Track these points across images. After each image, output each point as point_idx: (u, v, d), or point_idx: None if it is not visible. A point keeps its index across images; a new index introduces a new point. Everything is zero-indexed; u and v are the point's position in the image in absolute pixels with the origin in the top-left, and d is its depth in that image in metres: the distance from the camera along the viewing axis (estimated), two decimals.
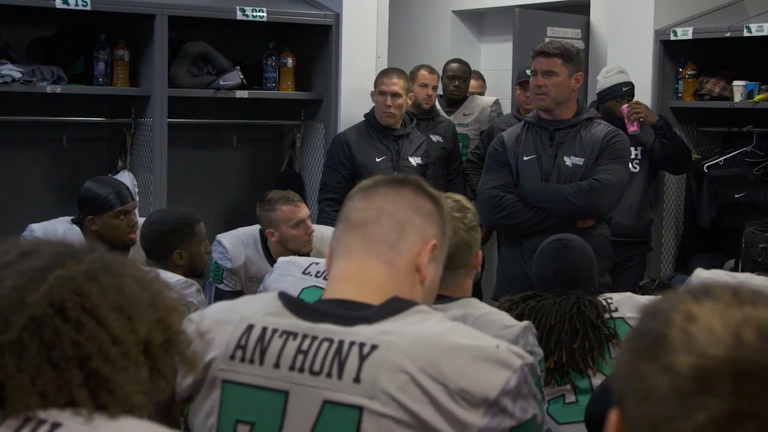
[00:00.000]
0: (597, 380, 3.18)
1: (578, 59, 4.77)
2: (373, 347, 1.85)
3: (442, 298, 2.67)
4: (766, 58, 6.01)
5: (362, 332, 1.88)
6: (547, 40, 6.45)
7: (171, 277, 3.86)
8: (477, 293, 5.98)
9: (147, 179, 5.64)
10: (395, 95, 5.68)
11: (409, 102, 5.86)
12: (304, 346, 1.90)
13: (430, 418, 1.78)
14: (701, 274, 3.19)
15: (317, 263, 3.84)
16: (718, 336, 1.08)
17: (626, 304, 3.32)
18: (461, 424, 1.78)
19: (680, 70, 6.40)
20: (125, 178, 5.52)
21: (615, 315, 3.29)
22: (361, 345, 1.86)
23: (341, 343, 1.87)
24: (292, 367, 1.89)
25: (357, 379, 1.83)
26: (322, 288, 3.31)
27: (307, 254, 4.54)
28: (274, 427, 1.89)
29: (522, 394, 1.83)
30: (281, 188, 5.20)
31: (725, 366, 1.06)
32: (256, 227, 4.86)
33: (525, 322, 2.72)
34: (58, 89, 5.38)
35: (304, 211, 4.80)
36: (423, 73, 6.52)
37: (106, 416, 1.38)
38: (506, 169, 4.71)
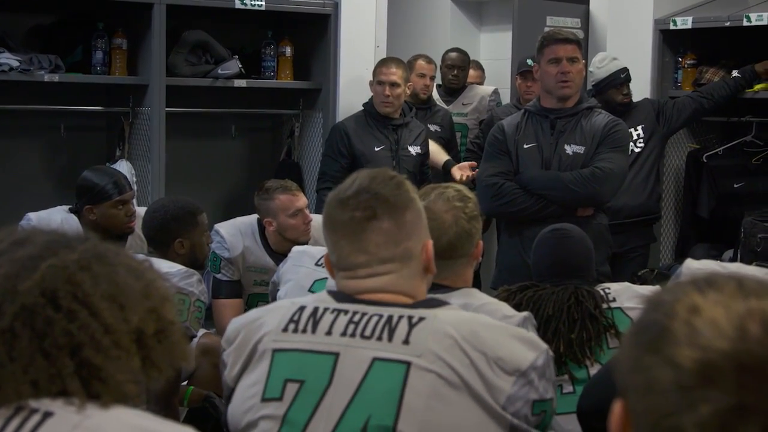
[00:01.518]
0: (594, 370, 3.17)
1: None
2: (421, 318, 2.04)
3: (442, 288, 2.67)
4: (766, 48, 5.99)
5: (409, 310, 2.07)
6: (547, 29, 6.44)
7: (171, 267, 3.86)
8: (476, 282, 5.98)
9: (145, 168, 5.63)
10: (394, 85, 5.67)
11: (408, 92, 5.85)
12: (356, 319, 2.06)
13: (470, 379, 1.97)
14: (692, 265, 3.18)
15: None
16: (722, 329, 1.08)
17: (624, 294, 3.31)
18: (495, 388, 1.98)
19: (680, 59, 6.38)
20: (123, 167, 5.51)
21: (613, 305, 3.28)
22: (410, 317, 2.05)
23: (390, 316, 2.05)
24: (343, 334, 2.05)
25: (406, 341, 2.01)
26: None
27: (306, 243, 4.53)
28: (323, 383, 2.01)
29: (546, 376, 2.07)
30: (280, 177, 5.19)
31: (729, 360, 1.06)
32: (254, 217, 4.85)
33: (525, 313, 2.73)
34: (56, 78, 5.37)
35: (302, 200, 4.79)
36: (420, 62, 6.50)
37: (98, 405, 1.37)
38: (506, 157, 4.69)
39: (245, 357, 2.12)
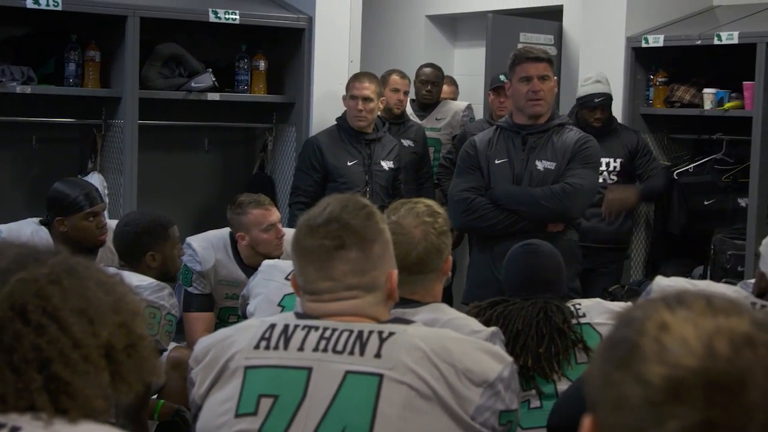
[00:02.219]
0: (562, 385, 3.18)
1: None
2: (391, 333, 2.08)
3: (411, 303, 2.67)
4: (737, 66, 6.04)
5: (379, 326, 2.11)
6: (520, 45, 6.47)
7: (142, 280, 3.85)
8: (447, 297, 5.99)
9: (117, 181, 5.62)
10: (367, 99, 5.68)
11: (381, 106, 5.86)
12: (327, 334, 2.09)
13: (440, 390, 2.01)
14: (662, 282, 3.20)
15: None
16: (690, 347, 1.09)
17: (595, 310, 3.32)
18: (464, 399, 2.03)
19: (651, 77, 6.43)
20: (95, 179, 5.49)
21: (582, 321, 3.29)
22: (380, 332, 2.09)
23: (361, 331, 2.09)
24: (315, 349, 2.08)
25: (378, 355, 2.05)
26: None
27: (278, 258, 4.53)
28: (297, 397, 2.04)
29: (511, 387, 2.11)
30: (252, 191, 5.18)
31: (697, 377, 1.07)
32: (227, 230, 4.85)
33: (493, 328, 2.74)
34: (28, 89, 5.35)
35: (275, 215, 4.79)
36: (394, 77, 6.52)
37: (66, 420, 1.37)
38: (478, 173, 4.71)
39: (214, 375, 2.12)
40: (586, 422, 1.17)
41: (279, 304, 3.68)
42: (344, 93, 5.79)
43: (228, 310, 4.82)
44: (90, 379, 1.41)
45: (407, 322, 2.16)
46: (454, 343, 2.10)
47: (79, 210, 4.44)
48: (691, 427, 1.05)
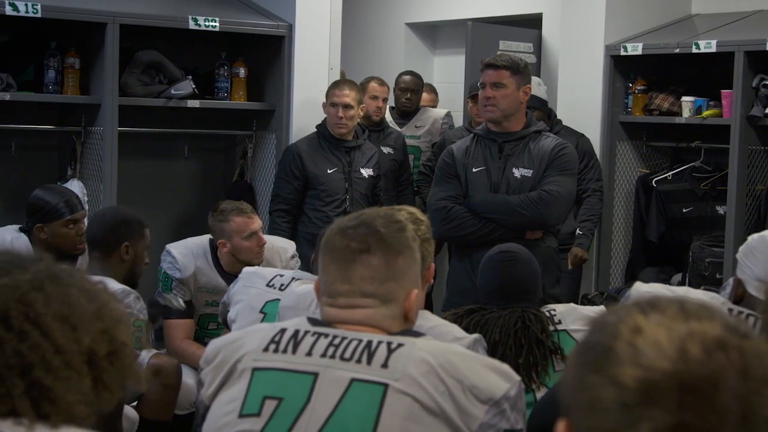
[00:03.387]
0: (541, 394, 3.19)
1: (526, 72, 4.78)
2: (400, 345, 2.09)
3: None
4: (715, 75, 6.08)
5: (388, 337, 2.12)
6: (499, 53, 6.50)
7: (112, 285, 3.84)
8: (428, 305, 5.99)
9: (97, 188, 5.60)
10: (347, 107, 5.68)
11: (361, 113, 5.87)
12: (335, 342, 2.11)
13: (445, 405, 2.01)
14: (640, 288, 3.22)
15: (282, 275, 3.84)
16: (663, 349, 1.10)
17: (570, 317, 3.33)
18: (468, 415, 2.03)
19: (630, 85, 6.46)
20: (75, 186, 5.48)
21: (559, 327, 3.30)
22: (389, 343, 2.10)
23: (370, 341, 2.10)
24: (323, 355, 2.09)
25: (385, 365, 2.05)
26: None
27: (258, 265, 4.53)
28: (301, 401, 2.05)
29: (517, 407, 2.10)
30: (233, 198, 5.19)
31: (670, 379, 1.08)
32: (206, 237, 4.84)
33: (475, 335, 2.75)
34: (8, 96, 5.34)
35: (257, 223, 4.79)
36: (373, 84, 6.53)
37: (47, 426, 1.37)
38: (455, 181, 4.72)
39: (223, 375, 2.15)
40: (560, 427, 1.18)
41: (261, 311, 3.69)
42: (324, 100, 5.80)
43: (208, 317, 4.82)
44: (72, 384, 1.41)
45: (417, 334, 2.17)
46: (462, 358, 2.10)
47: (60, 217, 4.43)
48: (664, 429, 1.07)
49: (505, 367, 2.14)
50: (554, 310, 3.37)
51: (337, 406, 2.03)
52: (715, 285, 5.39)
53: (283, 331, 2.16)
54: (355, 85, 5.85)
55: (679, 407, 1.07)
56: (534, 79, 6.09)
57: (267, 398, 2.07)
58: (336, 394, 2.04)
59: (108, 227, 4.09)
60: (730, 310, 3.00)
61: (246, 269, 4.02)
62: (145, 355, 4.26)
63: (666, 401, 1.07)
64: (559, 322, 3.31)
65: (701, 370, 1.09)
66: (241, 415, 2.08)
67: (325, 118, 5.82)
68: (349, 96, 5.70)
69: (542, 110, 5.99)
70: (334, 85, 5.80)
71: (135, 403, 4.27)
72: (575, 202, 5.98)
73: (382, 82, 6.60)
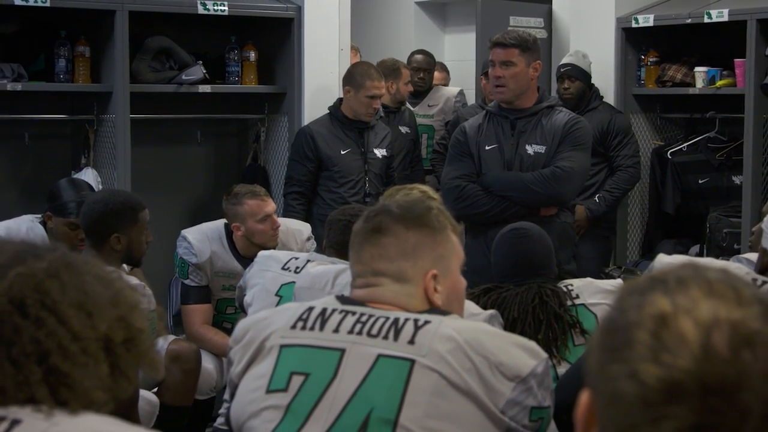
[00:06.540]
0: (562, 369, 3.19)
1: (536, 48, 4.74)
2: (427, 322, 2.10)
3: None
4: (727, 44, 6.04)
5: (415, 315, 2.13)
6: (510, 29, 6.46)
7: None
8: None
9: (111, 176, 5.61)
10: (381, 97, 5.77)
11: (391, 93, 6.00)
12: (363, 319, 2.13)
13: (471, 381, 2.02)
14: (663, 260, 3.19)
15: (297, 258, 3.84)
16: (688, 345, 1.08)
17: (587, 290, 3.32)
18: (495, 392, 2.04)
19: (642, 57, 6.43)
20: (89, 175, 5.48)
21: (576, 302, 3.30)
22: (416, 320, 2.11)
23: (397, 318, 2.11)
24: (350, 332, 2.12)
25: (412, 342, 2.07)
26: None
27: (273, 248, 4.53)
28: (328, 376, 2.07)
29: (544, 384, 2.10)
30: (246, 182, 5.18)
31: (694, 380, 1.06)
32: (221, 221, 4.84)
33: (491, 311, 2.75)
34: (19, 87, 5.34)
35: (270, 205, 4.78)
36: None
37: (66, 412, 1.37)
38: (469, 159, 4.71)
39: (251, 353, 2.17)
40: (584, 398, 1.17)
41: (276, 294, 3.69)
42: (341, 83, 5.79)
43: (225, 302, 4.83)
44: (89, 371, 1.41)
45: (444, 313, 2.17)
46: (489, 336, 2.11)
47: (66, 215, 4.42)
48: (686, 429, 1.06)
49: (532, 344, 2.14)
50: (571, 285, 3.36)
51: (363, 381, 2.05)
52: (733, 255, 5.36)
53: (310, 309, 2.18)
54: (380, 71, 5.87)
55: (702, 407, 1.06)
56: (578, 51, 6.10)
57: (294, 374, 2.09)
58: (363, 369, 2.06)
59: (96, 218, 4.00)
60: (755, 280, 2.99)
61: (261, 253, 4.02)
62: (163, 342, 4.26)
63: (688, 401, 1.06)
64: (577, 297, 3.30)
65: (726, 369, 1.07)
66: (269, 391, 2.10)
67: (339, 99, 5.81)
68: (383, 87, 5.79)
69: (583, 81, 6.00)
70: (368, 77, 5.69)
71: (156, 389, 4.28)
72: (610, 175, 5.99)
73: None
